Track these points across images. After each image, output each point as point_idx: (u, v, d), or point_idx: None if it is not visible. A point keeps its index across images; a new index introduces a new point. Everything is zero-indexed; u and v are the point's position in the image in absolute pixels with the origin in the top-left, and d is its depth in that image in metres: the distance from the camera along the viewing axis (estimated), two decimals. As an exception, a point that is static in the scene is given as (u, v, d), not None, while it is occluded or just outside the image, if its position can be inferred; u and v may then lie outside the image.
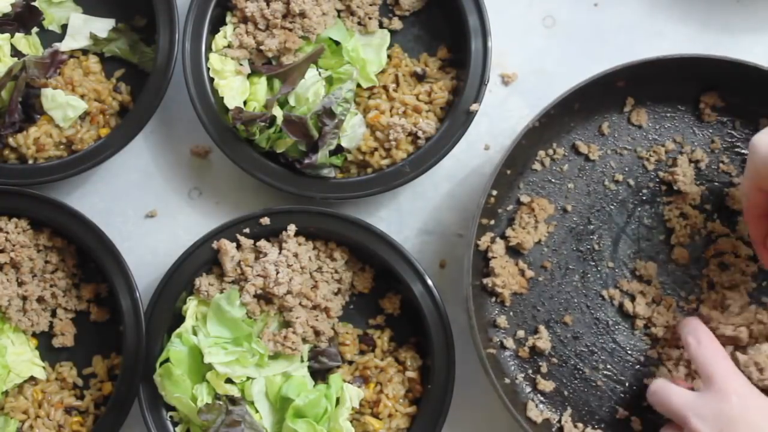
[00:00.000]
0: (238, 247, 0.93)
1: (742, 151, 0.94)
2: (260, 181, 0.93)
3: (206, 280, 0.93)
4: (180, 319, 0.92)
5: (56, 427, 0.93)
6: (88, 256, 0.95)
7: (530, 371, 0.92)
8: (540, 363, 0.91)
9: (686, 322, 0.84)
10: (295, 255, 0.92)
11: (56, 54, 0.95)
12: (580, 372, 0.91)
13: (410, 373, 0.93)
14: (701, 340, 0.79)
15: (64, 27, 1.00)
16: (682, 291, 0.92)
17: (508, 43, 1.01)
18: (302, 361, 0.92)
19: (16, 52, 0.98)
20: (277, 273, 0.90)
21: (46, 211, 0.93)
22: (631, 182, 0.94)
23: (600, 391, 0.91)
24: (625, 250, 0.93)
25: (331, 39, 0.97)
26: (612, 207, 0.94)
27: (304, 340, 0.92)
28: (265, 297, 0.92)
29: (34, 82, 0.94)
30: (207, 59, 0.95)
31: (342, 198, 0.94)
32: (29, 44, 0.99)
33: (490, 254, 0.92)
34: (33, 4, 0.99)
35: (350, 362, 0.94)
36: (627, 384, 0.91)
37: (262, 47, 0.95)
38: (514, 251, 0.93)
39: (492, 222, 0.93)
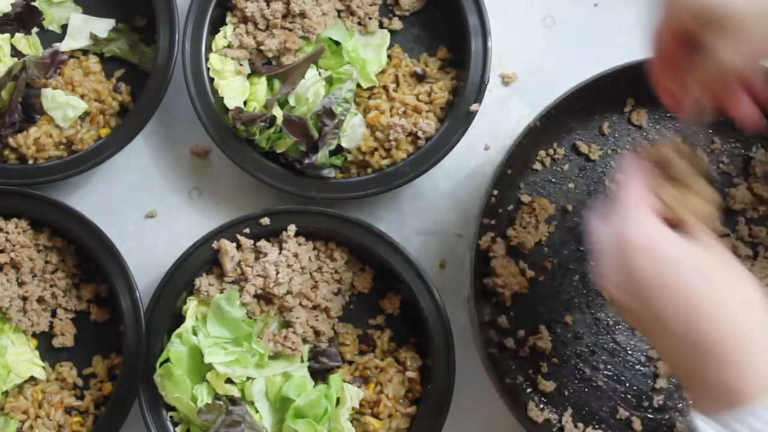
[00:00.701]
0: (238, 247, 0.93)
1: (742, 151, 0.94)
2: (260, 181, 0.93)
3: (206, 280, 0.93)
4: (180, 319, 0.92)
5: (56, 427, 0.93)
6: (88, 256, 0.95)
7: (530, 371, 0.92)
8: (540, 363, 0.91)
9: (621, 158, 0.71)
10: (295, 255, 0.92)
11: (56, 54, 0.95)
12: (581, 372, 0.91)
13: (410, 373, 0.93)
14: (627, 173, 0.66)
15: (64, 27, 1.00)
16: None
17: (508, 43, 1.01)
18: (302, 361, 0.92)
19: (16, 52, 0.98)
20: (277, 273, 0.90)
21: (46, 211, 0.93)
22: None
23: (600, 391, 0.91)
24: (625, 250, 0.93)
25: (331, 39, 0.97)
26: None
27: (304, 340, 0.92)
28: (265, 297, 0.92)
29: (34, 83, 0.94)
30: (207, 59, 0.95)
31: (342, 198, 0.94)
32: (29, 44, 0.99)
33: (490, 254, 0.92)
34: (33, 4, 0.99)
35: (350, 362, 0.94)
36: (627, 384, 0.91)
37: (262, 47, 0.95)
38: (515, 251, 0.93)
39: (492, 222, 0.93)
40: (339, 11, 0.98)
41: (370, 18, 0.98)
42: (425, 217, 0.99)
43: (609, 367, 0.92)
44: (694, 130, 0.71)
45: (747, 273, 0.62)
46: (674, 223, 0.64)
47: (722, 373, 0.57)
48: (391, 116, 0.95)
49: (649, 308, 0.60)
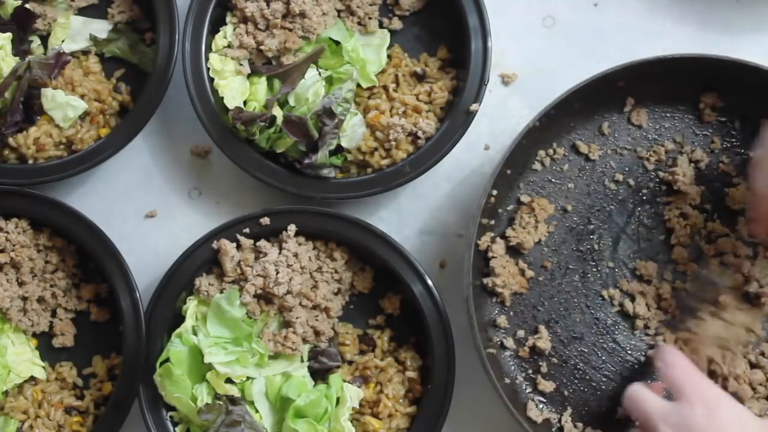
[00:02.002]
0: (238, 247, 0.93)
1: (742, 151, 0.94)
2: (260, 181, 0.93)
3: (206, 280, 0.93)
4: (180, 319, 0.92)
5: (56, 427, 0.93)
6: (88, 256, 0.95)
7: (530, 371, 0.92)
8: (540, 363, 0.91)
9: (657, 350, 0.86)
10: (295, 255, 0.92)
11: (61, 55, 0.95)
12: (580, 372, 0.91)
13: (410, 373, 0.93)
14: (668, 361, 0.79)
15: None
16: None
17: (508, 43, 1.01)
18: (302, 361, 0.92)
19: (18, 52, 0.98)
20: (277, 273, 0.90)
21: (46, 211, 0.93)
22: (631, 182, 0.94)
23: (600, 391, 0.91)
24: (625, 250, 0.93)
25: (331, 39, 0.97)
26: (612, 207, 0.94)
27: (304, 340, 0.92)
28: (265, 297, 0.92)
29: (37, 83, 0.94)
30: (207, 59, 0.95)
31: (342, 198, 0.94)
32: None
33: (490, 254, 0.92)
34: (27, 6, 0.99)
35: (350, 362, 0.94)
36: (627, 384, 0.91)
37: (262, 47, 0.95)
38: (515, 251, 0.93)
39: (492, 222, 0.93)
40: (339, 11, 0.98)
41: (370, 18, 0.98)
42: (425, 217, 0.99)
43: (608, 367, 0.92)
44: None
45: None
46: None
47: None
48: (391, 116, 0.95)
49: None
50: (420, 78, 0.97)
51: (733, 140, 0.94)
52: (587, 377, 0.91)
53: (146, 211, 1.00)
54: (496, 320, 0.92)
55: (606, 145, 0.95)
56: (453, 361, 0.90)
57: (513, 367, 0.92)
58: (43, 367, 0.95)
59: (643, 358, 0.91)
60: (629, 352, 0.92)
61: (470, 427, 0.95)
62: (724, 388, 0.87)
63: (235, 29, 0.97)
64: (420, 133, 0.94)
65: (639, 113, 0.95)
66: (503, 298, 0.92)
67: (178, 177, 1.01)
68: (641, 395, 0.80)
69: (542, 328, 0.92)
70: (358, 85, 0.96)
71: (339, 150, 0.94)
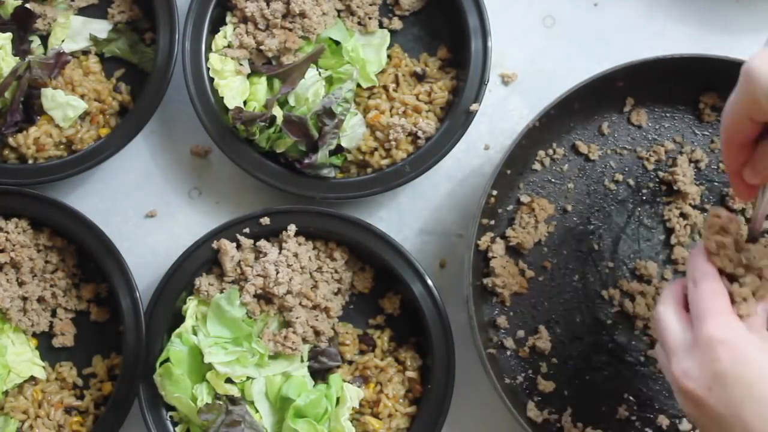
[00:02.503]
0: (238, 247, 0.93)
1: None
2: (260, 181, 0.93)
3: (206, 280, 0.93)
4: (180, 319, 0.92)
5: (56, 427, 0.93)
6: (88, 256, 0.95)
7: (530, 371, 0.92)
8: (540, 363, 0.91)
9: (688, 262, 0.70)
10: (295, 255, 0.92)
11: (61, 55, 0.95)
12: (581, 372, 0.91)
13: (410, 373, 0.93)
14: (696, 279, 0.67)
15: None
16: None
17: (508, 43, 1.01)
18: (302, 361, 0.92)
19: (18, 52, 0.98)
20: (277, 273, 0.90)
21: (46, 211, 0.93)
22: (631, 182, 0.94)
23: (600, 391, 0.91)
24: (625, 250, 0.93)
25: (331, 39, 0.97)
26: (612, 207, 0.94)
27: (304, 340, 0.92)
28: (265, 297, 0.92)
29: (37, 83, 0.94)
30: (207, 59, 0.95)
31: (342, 198, 0.94)
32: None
33: (490, 254, 0.92)
34: (27, 6, 0.99)
35: (350, 362, 0.94)
36: (627, 384, 0.91)
37: (262, 47, 0.95)
38: (514, 251, 0.93)
39: (492, 222, 0.93)
40: (339, 11, 0.98)
41: (370, 18, 0.98)
42: (425, 217, 0.99)
43: (609, 367, 0.92)
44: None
45: None
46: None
47: None
48: (391, 116, 0.95)
49: (737, 413, 0.60)
50: (420, 78, 0.97)
51: (733, 140, 0.94)
52: (587, 377, 0.91)
53: (146, 210, 1.00)
54: (496, 320, 0.92)
55: (606, 145, 0.95)
56: (453, 361, 0.90)
57: (513, 367, 0.92)
58: (43, 367, 0.95)
59: (642, 359, 0.91)
60: (629, 352, 0.92)
61: (470, 427, 0.95)
62: None
63: (235, 29, 0.97)
64: (420, 133, 0.94)
65: (639, 113, 0.95)
66: (503, 298, 0.92)
67: (178, 177, 1.01)
68: (665, 322, 0.67)
69: (542, 328, 0.92)
70: (358, 85, 0.96)
71: (339, 150, 0.94)
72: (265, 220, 0.92)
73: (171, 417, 0.92)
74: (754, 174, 0.68)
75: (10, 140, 0.94)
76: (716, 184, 0.94)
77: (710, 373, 0.62)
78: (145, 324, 0.91)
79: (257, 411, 0.90)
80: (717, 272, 0.67)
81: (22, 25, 0.98)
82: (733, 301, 0.66)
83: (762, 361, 0.61)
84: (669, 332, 0.66)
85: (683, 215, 0.93)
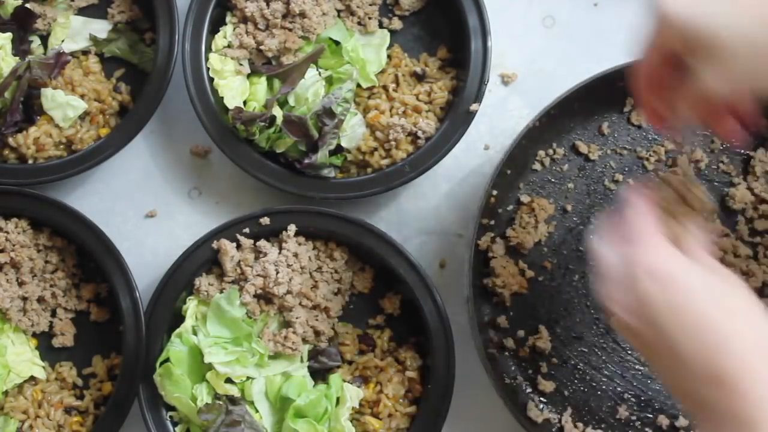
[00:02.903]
0: (238, 247, 0.93)
1: (742, 151, 0.94)
2: (260, 181, 0.93)
3: (206, 280, 0.93)
4: (180, 319, 0.92)
5: (56, 427, 0.93)
6: (88, 256, 0.95)
7: (530, 371, 0.92)
8: (540, 363, 0.91)
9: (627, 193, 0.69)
10: (295, 255, 0.92)
11: (61, 55, 0.95)
12: (580, 372, 0.91)
13: (410, 373, 0.93)
14: (633, 203, 0.66)
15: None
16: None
17: (508, 43, 1.01)
18: (302, 361, 0.92)
19: (18, 52, 0.98)
20: (277, 273, 0.90)
21: (46, 211, 0.93)
22: (631, 182, 0.94)
23: (600, 391, 0.91)
24: (625, 250, 0.93)
25: (331, 39, 0.97)
26: (612, 207, 0.94)
27: (304, 340, 0.92)
28: (265, 297, 0.92)
29: (37, 83, 0.94)
30: (207, 59, 0.95)
31: (342, 198, 0.94)
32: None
33: (490, 254, 0.92)
34: (27, 6, 0.99)
35: (350, 362, 0.94)
36: (627, 384, 0.91)
37: (262, 47, 0.95)
38: (515, 251, 0.93)
39: (492, 222, 0.93)
40: (339, 11, 0.98)
41: (370, 18, 0.98)
42: (425, 217, 0.99)
43: (608, 367, 0.92)
44: (688, 133, 0.70)
45: (750, 292, 0.61)
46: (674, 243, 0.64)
47: (733, 402, 0.57)
48: (391, 116, 0.95)
49: (660, 333, 0.60)
50: (420, 78, 0.97)
51: (733, 140, 0.94)
52: (587, 377, 0.91)
53: (146, 211, 1.00)
54: (496, 320, 0.92)
55: (606, 145, 0.95)
56: (453, 361, 0.90)
57: (513, 367, 0.92)
58: (43, 367, 0.95)
59: (643, 358, 0.91)
60: (629, 352, 0.92)
61: (470, 427, 0.95)
62: None
63: (235, 29, 0.97)
64: (420, 133, 0.94)
65: (638, 113, 0.95)
66: (503, 298, 0.92)
67: (178, 177, 1.01)
68: (595, 249, 0.66)
69: (542, 328, 0.92)
70: (358, 85, 0.96)
71: (339, 150, 0.94)
72: (265, 220, 0.92)
73: (171, 417, 0.92)
74: (673, 117, 0.68)
75: (10, 140, 0.94)
76: (716, 184, 0.94)
77: (633, 296, 0.61)
78: (145, 324, 0.91)
79: (257, 411, 0.90)
80: (649, 201, 0.67)
81: (22, 25, 0.98)
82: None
83: (684, 278, 0.61)
84: (601, 260, 0.65)
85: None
